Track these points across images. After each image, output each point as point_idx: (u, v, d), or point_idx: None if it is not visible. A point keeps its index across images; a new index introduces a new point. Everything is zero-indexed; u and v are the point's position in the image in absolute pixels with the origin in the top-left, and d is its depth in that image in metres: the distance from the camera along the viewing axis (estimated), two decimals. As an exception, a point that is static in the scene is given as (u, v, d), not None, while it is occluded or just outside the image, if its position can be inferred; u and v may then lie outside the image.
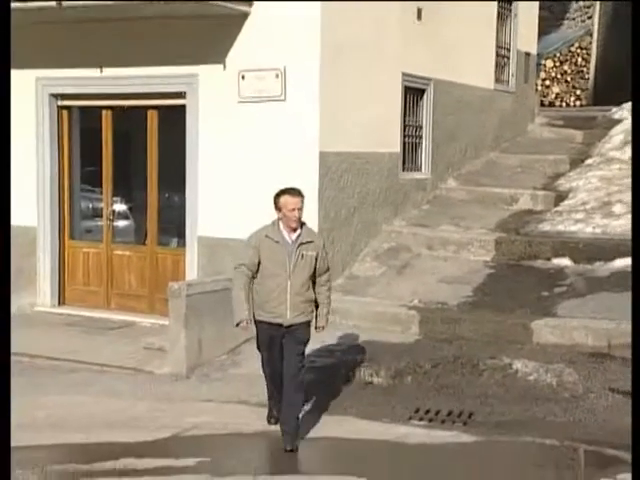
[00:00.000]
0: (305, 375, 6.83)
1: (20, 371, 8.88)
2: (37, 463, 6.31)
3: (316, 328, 6.83)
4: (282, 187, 6.61)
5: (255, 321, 6.64)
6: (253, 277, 6.59)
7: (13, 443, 6.62)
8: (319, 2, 9.74)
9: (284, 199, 6.46)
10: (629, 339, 8.38)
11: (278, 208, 6.51)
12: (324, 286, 6.77)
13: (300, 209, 6.47)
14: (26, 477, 6.00)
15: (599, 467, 6.31)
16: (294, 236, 6.53)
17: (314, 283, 6.69)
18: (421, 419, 7.31)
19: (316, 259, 6.58)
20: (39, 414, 7.49)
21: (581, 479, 5.98)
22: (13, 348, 9.37)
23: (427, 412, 7.44)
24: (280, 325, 6.55)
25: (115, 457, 6.36)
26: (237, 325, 6.58)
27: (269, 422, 6.97)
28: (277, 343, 6.65)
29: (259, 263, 6.52)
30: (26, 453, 6.49)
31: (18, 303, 11.54)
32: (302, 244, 6.51)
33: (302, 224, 6.60)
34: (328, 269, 6.80)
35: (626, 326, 8.52)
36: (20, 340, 9.81)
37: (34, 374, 8.84)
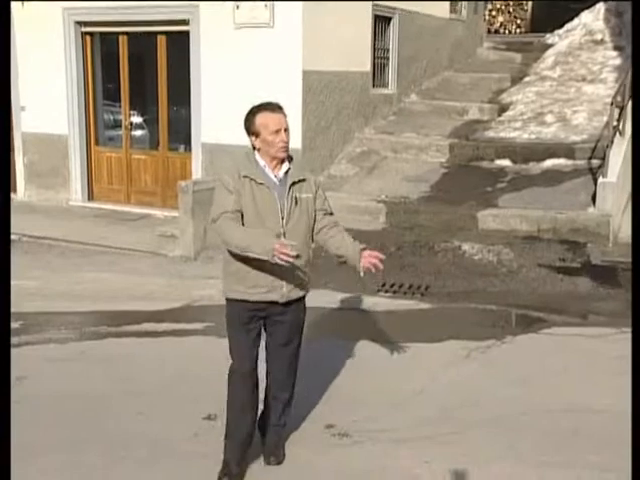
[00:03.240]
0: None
1: (60, 253, 8.97)
2: (76, 325, 6.42)
3: (363, 269, 3.76)
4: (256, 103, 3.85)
5: (229, 302, 3.84)
6: None
7: (56, 310, 6.78)
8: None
9: (263, 118, 3.71)
10: (554, 225, 8.54)
11: (254, 133, 3.72)
12: (335, 227, 3.92)
13: (287, 130, 3.75)
14: (68, 336, 6.10)
15: (526, 325, 6.47)
16: (281, 173, 3.77)
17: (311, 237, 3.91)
18: (387, 291, 7.39)
19: (314, 202, 3.86)
20: (76, 287, 7.57)
21: (511, 334, 6.13)
22: (54, 235, 9.49)
23: (392, 286, 7.52)
24: (273, 303, 3.78)
25: (138, 322, 6.47)
26: (274, 258, 3.48)
27: None
28: (257, 332, 3.87)
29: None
30: (67, 317, 6.61)
31: (56, 198, 11.56)
32: (295, 183, 3.76)
33: (290, 157, 3.82)
34: (331, 213, 3.97)
35: (552, 214, 8.63)
36: (59, 229, 9.88)
37: (71, 255, 8.88)
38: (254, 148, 3.77)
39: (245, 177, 3.70)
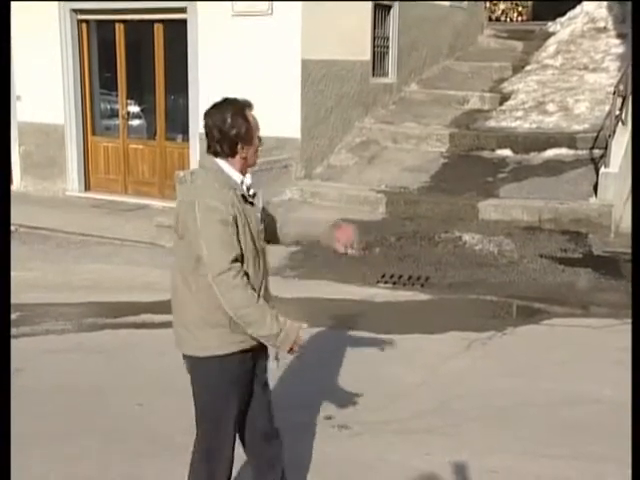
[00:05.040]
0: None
1: (57, 244, 8.98)
2: (73, 316, 6.44)
3: None
4: (229, 97, 3.09)
5: (220, 361, 2.97)
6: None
7: (54, 301, 6.79)
8: None
9: (253, 117, 2.98)
10: (556, 215, 8.56)
11: (249, 139, 2.95)
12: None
13: None
14: (65, 327, 6.11)
15: (527, 316, 6.50)
16: (248, 182, 3.02)
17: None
18: (386, 282, 7.40)
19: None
20: (74, 278, 7.58)
21: (512, 325, 6.15)
22: (51, 226, 9.49)
23: (392, 276, 7.53)
24: (261, 349, 3.06)
25: (136, 313, 6.48)
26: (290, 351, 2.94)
27: None
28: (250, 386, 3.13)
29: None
30: (64, 309, 6.63)
31: (53, 189, 11.56)
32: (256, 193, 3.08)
33: None
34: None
35: (554, 204, 8.65)
36: (56, 219, 9.88)
37: (69, 246, 8.89)
38: (224, 156, 2.95)
39: (235, 193, 2.91)
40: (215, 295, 2.87)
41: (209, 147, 2.98)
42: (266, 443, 3.23)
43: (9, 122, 10.08)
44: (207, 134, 2.97)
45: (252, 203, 3.00)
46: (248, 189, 3.00)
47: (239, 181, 2.97)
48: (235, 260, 2.84)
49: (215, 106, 3.01)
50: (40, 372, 5.16)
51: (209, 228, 2.82)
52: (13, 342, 5.20)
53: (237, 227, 2.86)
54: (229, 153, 2.94)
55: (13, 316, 6.11)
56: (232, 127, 2.91)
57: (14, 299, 5.50)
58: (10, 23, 4.92)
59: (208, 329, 2.96)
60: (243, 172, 3.00)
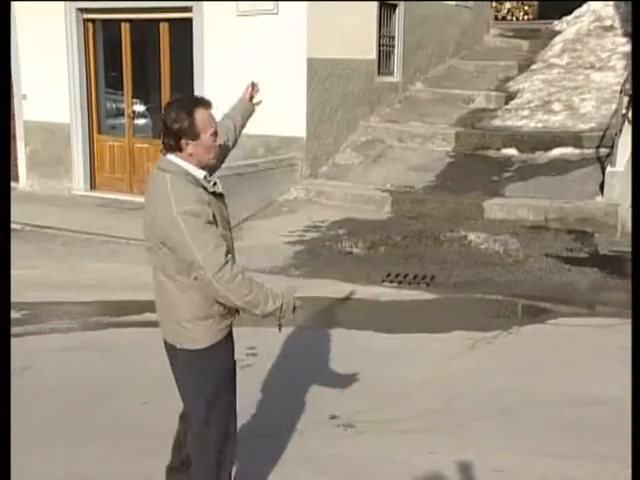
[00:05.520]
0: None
1: (62, 243, 9.00)
2: (78, 315, 6.45)
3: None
4: (183, 96, 3.16)
5: (215, 349, 3.11)
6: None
7: (59, 299, 6.80)
8: None
9: (204, 116, 2.95)
10: (562, 214, 8.54)
11: (193, 135, 2.92)
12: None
13: None
14: (70, 326, 6.12)
15: (533, 315, 6.48)
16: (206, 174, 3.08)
17: None
18: (392, 281, 7.36)
19: None
20: (79, 277, 7.59)
21: (518, 324, 6.14)
22: (57, 224, 9.51)
23: (397, 276, 7.50)
24: (231, 330, 3.25)
25: (140, 312, 6.46)
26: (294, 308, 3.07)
27: None
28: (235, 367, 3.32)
29: None
30: (69, 307, 6.64)
31: (58, 188, 11.59)
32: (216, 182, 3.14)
33: None
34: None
35: (559, 204, 8.63)
36: (61, 218, 9.90)
37: (74, 245, 8.90)
38: (172, 150, 2.96)
39: (206, 191, 2.97)
40: (205, 290, 2.95)
41: (162, 142, 3.02)
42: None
43: (9, 121, 10.10)
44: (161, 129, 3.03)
45: (221, 195, 3.06)
46: (207, 180, 3.03)
47: (202, 177, 3.00)
48: (227, 253, 2.90)
49: (169, 102, 3.07)
50: (45, 371, 5.16)
51: (198, 233, 2.85)
52: (18, 341, 5.22)
53: (216, 223, 2.94)
54: (175, 147, 2.97)
55: (18, 314, 6.13)
56: (174, 121, 2.93)
57: (19, 297, 5.53)
58: (10, 23, 4.94)
59: (198, 322, 3.04)
60: (200, 167, 3.02)
